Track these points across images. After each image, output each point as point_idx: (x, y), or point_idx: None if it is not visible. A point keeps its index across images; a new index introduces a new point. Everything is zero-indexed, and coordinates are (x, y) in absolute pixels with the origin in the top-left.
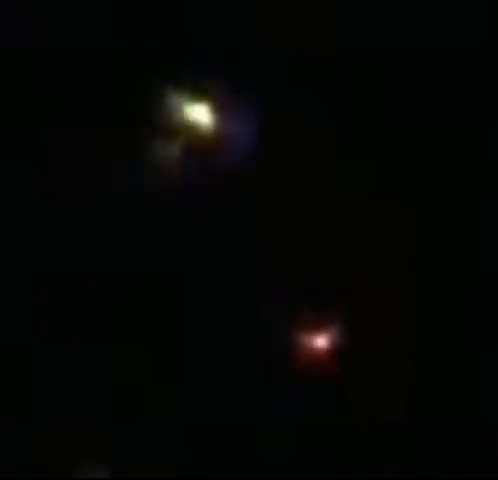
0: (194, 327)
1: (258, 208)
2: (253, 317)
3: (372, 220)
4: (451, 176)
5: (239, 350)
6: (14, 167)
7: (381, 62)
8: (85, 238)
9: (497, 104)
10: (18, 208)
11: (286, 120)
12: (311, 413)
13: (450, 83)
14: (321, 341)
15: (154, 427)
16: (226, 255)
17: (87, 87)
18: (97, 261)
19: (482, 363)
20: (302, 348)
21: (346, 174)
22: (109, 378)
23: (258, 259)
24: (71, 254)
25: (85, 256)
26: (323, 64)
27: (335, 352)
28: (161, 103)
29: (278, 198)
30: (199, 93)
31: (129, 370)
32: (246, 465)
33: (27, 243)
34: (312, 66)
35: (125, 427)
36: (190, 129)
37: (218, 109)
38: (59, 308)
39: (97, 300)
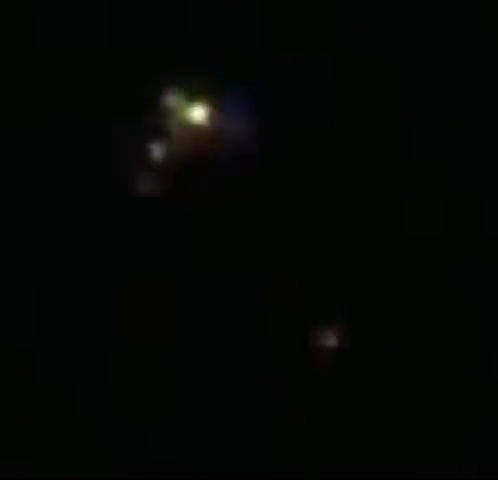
0: (194, 328)
1: (258, 207)
2: (254, 318)
3: (373, 220)
4: (451, 176)
5: (240, 351)
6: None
7: (382, 61)
8: (85, 239)
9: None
10: (18, 209)
11: (286, 119)
12: (311, 413)
13: (450, 83)
14: (322, 341)
15: (153, 428)
16: (226, 255)
17: (86, 86)
18: (95, 261)
19: (483, 362)
20: (303, 348)
21: (346, 173)
22: (109, 379)
23: (259, 259)
24: (70, 255)
25: (84, 257)
26: (323, 63)
27: (335, 352)
28: (161, 103)
29: (278, 197)
30: (199, 93)
31: (128, 370)
32: (246, 466)
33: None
34: (312, 66)
35: (125, 427)
36: (190, 129)
37: (218, 109)
38: (59, 309)
39: (95, 301)
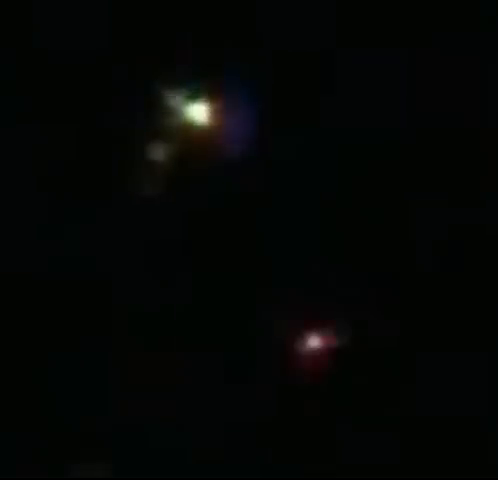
0: (193, 327)
1: (258, 207)
2: (252, 318)
3: (372, 218)
4: (451, 176)
5: (238, 351)
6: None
7: (379, 60)
8: (85, 238)
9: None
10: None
11: (288, 119)
12: (310, 414)
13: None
14: (320, 341)
15: (155, 427)
16: (225, 254)
17: (86, 87)
18: (95, 261)
19: (483, 362)
20: (301, 348)
21: (349, 172)
22: (108, 378)
23: (257, 258)
24: (69, 254)
25: (83, 256)
26: (325, 63)
27: (335, 352)
28: (160, 103)
29: (280, 197)
30: (199, 93)
31: (127, 370)
32: (246, 466)
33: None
34: (314, 65)
35: (125, 427)
36: (190, 129)
37: (217, 109)
38: (58, 308)
39: (95, 301)
